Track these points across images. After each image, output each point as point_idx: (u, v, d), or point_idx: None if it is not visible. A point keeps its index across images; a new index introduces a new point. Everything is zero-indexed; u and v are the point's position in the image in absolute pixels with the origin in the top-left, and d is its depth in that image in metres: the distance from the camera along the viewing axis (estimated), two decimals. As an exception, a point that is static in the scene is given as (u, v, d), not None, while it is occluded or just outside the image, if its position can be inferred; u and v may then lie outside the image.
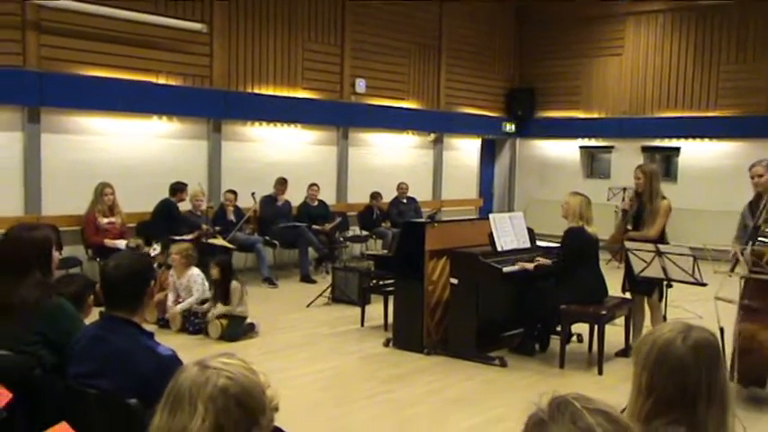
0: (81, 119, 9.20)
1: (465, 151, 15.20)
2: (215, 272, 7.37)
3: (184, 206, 9.55)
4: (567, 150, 15.28)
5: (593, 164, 15.26)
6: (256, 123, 11.16)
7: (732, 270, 5.31)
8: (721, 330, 5.14)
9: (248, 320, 7.28)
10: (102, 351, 2.61)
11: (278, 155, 11.35)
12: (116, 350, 2.58)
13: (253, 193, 10.08)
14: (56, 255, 3.31)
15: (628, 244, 5.87)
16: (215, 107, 10.46)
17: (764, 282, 5.03)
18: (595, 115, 14.72)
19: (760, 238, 5.28)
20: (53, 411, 2.68)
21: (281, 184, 10.69)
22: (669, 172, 13.92)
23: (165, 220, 9.06)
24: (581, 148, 15.09)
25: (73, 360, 2.72)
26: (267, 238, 10.28)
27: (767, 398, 5.49)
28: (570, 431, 1.03)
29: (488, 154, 16.06)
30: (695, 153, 13.61)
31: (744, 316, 5.17)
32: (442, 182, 14.44)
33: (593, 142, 14.94)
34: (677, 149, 13.83)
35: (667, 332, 1.78)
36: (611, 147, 14.63)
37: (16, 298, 2.96)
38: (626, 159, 13.56)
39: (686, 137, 13.59)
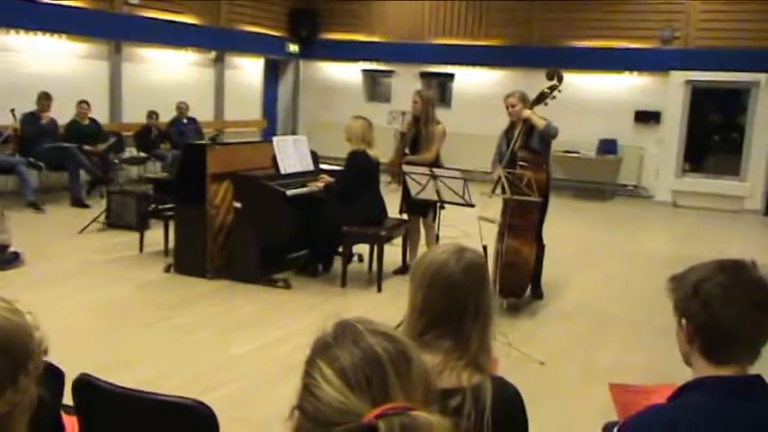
0: None
1: (248, 71, 14.86)
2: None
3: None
4: (349, 73, 15.47)
5: (375, 88, 15.62)
6: (12, 31, 10.05)
7: (493, 192, 5.74)
8: (484, 248, 5.56)
9: (11, 249, 6.70)
10: None
11: (41, 68, 10.35)
12: None
13: (12, 110, 9.14)
14: None
15: (405, 168, 6.12)
16: (-39, 10, 9.27)
17: (524, 202, 5.50)
18: (377, 39, 14.99)
19: (519, 162, 5.75)
20: None
21: (46, 99, 9.75)
22: (444, 97, 14.62)
23: None
24: (363, 71, 15.36)
25: None
26: (31, 159, 9.42)
27: (523, 306, 6.11)
28: (352, 352, 1.09)
29: (272, 75, 15.83)
30: (467, 80, 14.40)
31: (508, 234, 5.64)
32: (224, 102, 14.04)
33: (374, 66, 15.24)
34: (452, 76, 14.54)
35: (441, 254, 1.89)
36: (392, 71, 15.04)
37: None
38: (405, 84, 14.00)
39: (459, 64, 14.31)
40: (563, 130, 6.23)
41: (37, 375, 1.20)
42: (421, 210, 6.78)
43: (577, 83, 13.08)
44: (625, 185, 13.40)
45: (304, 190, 6.50)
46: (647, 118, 13.19)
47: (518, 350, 4.92)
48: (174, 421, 1.99)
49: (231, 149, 6.98)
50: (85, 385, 2.05)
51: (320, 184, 6.56)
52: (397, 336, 1.14)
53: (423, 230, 7.05)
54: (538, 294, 6.36)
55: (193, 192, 6.46)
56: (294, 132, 15.28)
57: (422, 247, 7.06)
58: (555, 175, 6.14)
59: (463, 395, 1.75)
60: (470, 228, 6.37)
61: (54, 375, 2.81)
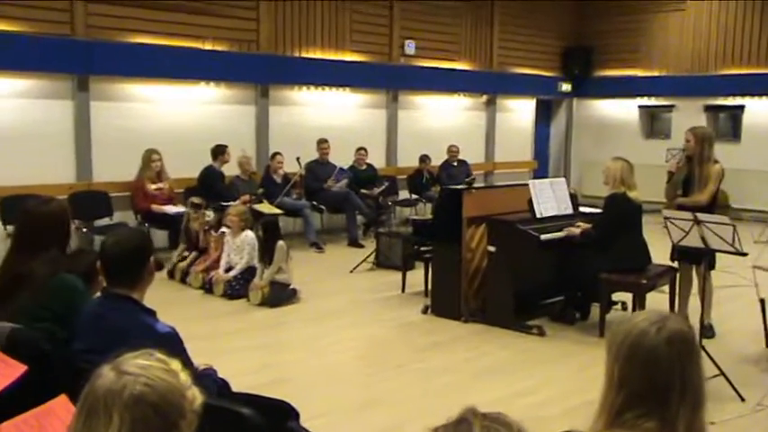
0: (129, 86, 9.34)
1: (519, 112, 14.89)
2: (261, 232, 7.46)
3: (230, 169, 9.65)
4: (625, 110, 14.82)
5: (653, 124, 14.76)
6: (304, 88, 11.14)
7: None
8: (762, 301, 4.94)
9: (291, 286, 7.32)
10: (100, 328, 2.65)
11: (326, 119, 11.32)
12: (113, 327, 2.61)
13: (298, 158, 10.07)
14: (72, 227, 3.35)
15: (665, 212, 5.61)
16: (262, 72, 10.47)
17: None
18: (656, 73, 14.19)
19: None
20: (63, 385, 2.73)
21: (323, 142, 10.67)
22: (733, 131, 13.39)
23: (210, 187, 9.17)
24: (640, 107, 14.62)
25: (76, 335, 2.77)
26: (314, 203, 10.32)
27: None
28: None
29: (544, 115, 15.69)
30: (760, 111, 13.01)
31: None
32: (494, 144, 14.19)
33: (652, 101, 14.44)
34: (741, 108, 13.26)
35: (641, 322, 1.69)
36: (672, 106, 14.11)
37: (26, 270, 3.01)
38: (687, 119, 12.97)
39: (751, 95, 12.99)
40: None
41: None
42: (693, 257, 6.18)
43: None
44: None
45: (560, 234, 6.28)
46: None
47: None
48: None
49: (487, 193, 7.01)
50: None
51: (576, 231, 6.28)
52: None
53: (696, 279, 6.42)
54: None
55: (450, 234, 6.57)
56: (566, 173, 14.97)
57: (694, 297, 6.44)
58: None
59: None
60: (755, 275, 5.67)
61: (288, 414, 2.98)
